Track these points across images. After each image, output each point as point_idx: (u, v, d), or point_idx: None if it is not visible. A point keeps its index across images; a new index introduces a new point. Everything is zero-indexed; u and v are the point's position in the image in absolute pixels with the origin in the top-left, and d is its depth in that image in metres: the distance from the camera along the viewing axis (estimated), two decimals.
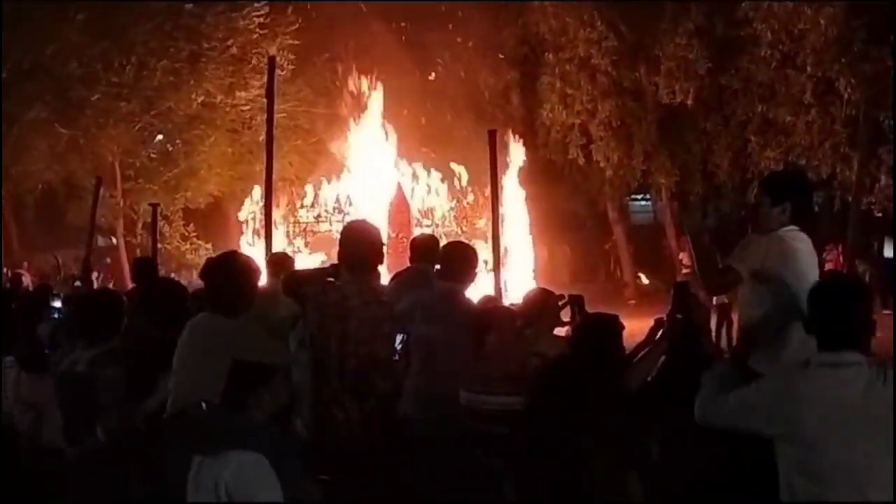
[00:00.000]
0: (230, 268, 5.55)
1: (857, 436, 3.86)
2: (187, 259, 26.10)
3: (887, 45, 20.79)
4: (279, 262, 9.64)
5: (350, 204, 22.69)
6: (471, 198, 23.53)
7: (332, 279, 6.08)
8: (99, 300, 6.49)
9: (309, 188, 24.22)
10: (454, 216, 23.13)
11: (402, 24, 28.46)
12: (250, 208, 22.41)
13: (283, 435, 4.49)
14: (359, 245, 5.92)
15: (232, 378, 4.24)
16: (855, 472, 3.87)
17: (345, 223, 6.51)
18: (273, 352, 5.01)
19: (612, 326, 5.44)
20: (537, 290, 7.19)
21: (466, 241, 7.84)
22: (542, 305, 6.76)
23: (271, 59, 11.32)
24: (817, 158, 22.99)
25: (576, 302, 6.73)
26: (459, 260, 6.66)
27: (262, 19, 24.99)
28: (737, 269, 5.29)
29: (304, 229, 23.54)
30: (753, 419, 4.03)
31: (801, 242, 5.25)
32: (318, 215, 23.12)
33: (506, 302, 9.03)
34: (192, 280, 22.62)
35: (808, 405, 3.89)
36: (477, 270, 6.86)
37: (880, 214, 23.65)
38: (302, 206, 23.53)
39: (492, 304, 7.17)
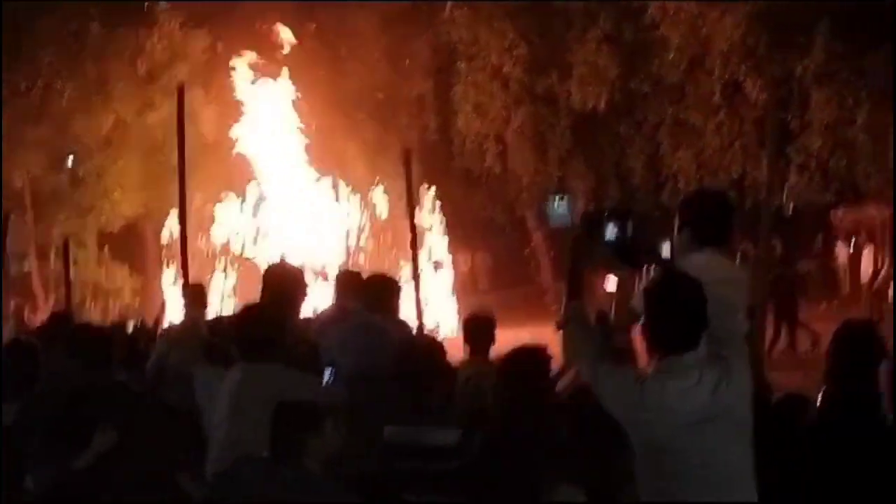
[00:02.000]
0: (270, 316, 5.48)
1: (710, 437, 3.95)
2: (102, 285, 25.67)
3: (792, 48, 21.20)
4: (200, 294, 9.60)
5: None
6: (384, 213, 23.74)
7: None
8: (16, 353, 6.35)
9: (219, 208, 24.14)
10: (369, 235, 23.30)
11: (313, 34, 28.27)
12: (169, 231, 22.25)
13: (340, 487, 4.36)
14: (282, 286, 5.91)
15: (279, 423, 4.08)
16: (712, 472, 3.96)
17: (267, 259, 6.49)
18: (323, 393, 4.92)
19: (540, 362, 5.42)
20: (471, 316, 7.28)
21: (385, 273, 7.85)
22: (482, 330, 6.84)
23: (180, 88, 11.09)
24: (728, 159, 23.38)
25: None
26: (381, 291, 6.68)
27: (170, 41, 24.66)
28: (633, 306, 4.90)
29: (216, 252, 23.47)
30: (611, 402, 4.12)
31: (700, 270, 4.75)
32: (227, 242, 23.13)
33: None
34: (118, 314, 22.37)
35: (660, 415, 3.94)
36: (400, 301, 6.87)
37: (790, 213, 24.17)
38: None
39: (423, 337, 7.18)
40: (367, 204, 25.74)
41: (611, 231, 4.49)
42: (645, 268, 4.59)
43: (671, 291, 4.08)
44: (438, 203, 24.94)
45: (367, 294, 6.67)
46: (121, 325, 10.65)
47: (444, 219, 26.30)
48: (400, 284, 7.15)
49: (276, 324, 5.48)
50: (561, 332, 4.43)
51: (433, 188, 26.07)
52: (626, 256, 4.55)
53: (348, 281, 7.55)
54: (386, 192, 25.34)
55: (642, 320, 4.16)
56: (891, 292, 22.41)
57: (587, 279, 4.66)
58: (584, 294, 4.52)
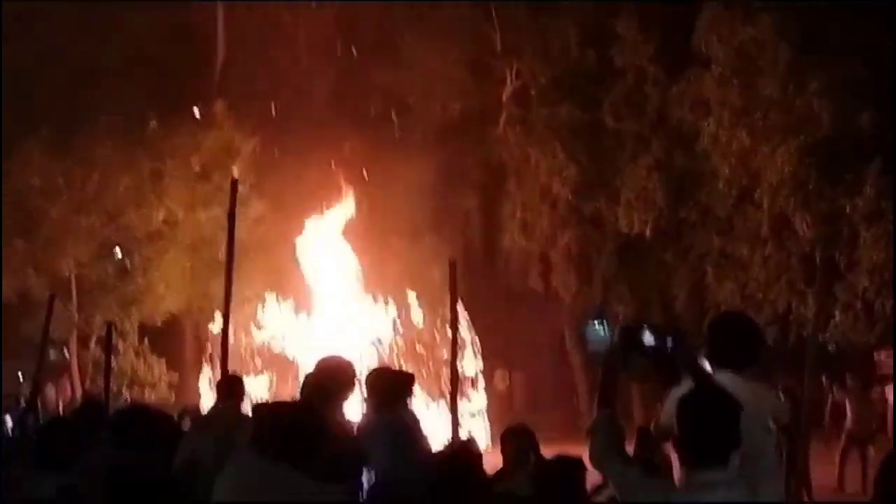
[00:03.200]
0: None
1: None
2: (140, 376, 25.76)
3: (840, 185, 21.21)
4: (233, 384, 9.56)
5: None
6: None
7: None
8: (60, 427, 6.34)
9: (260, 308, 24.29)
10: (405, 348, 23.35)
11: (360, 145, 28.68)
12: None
13: None
14: (331, 380, 5.86)
15: None
16: None
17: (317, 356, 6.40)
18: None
19: (577, 468, 5.38)
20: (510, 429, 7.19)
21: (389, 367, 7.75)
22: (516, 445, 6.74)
23: (234, 182, 11.34)
24: (773, 293, 23.20)
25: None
26: (391, 387, 6.56)
27: (227, 138, 25.14)
28: (664, 422, 4.91)
29: (256, 350, 23.55)
30: None
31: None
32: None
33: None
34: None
35: None
36: (412, 393, 6.78)
37: (833, 350, 23.85)
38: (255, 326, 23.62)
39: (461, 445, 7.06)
40: (406, 316, 25.73)
41: (648, 340, 4.46)
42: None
43: (705, 404, 4.03)
44: (468, 320, 24.79)
45: (383, 390, 6.51)
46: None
47: (475, 336, 26.12)
48: (414, 379, 7.00)
49: (309, 428, 5.25)
50: (589, 437, 4.38)
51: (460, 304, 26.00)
52: (664, 369, 4.51)
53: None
54: (420, 304, 25.35)
55: (675, 431, 4.10)
56: None
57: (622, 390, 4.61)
58: (615, 403, 4.48)
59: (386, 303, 25.21)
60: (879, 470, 5.05)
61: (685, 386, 4.39)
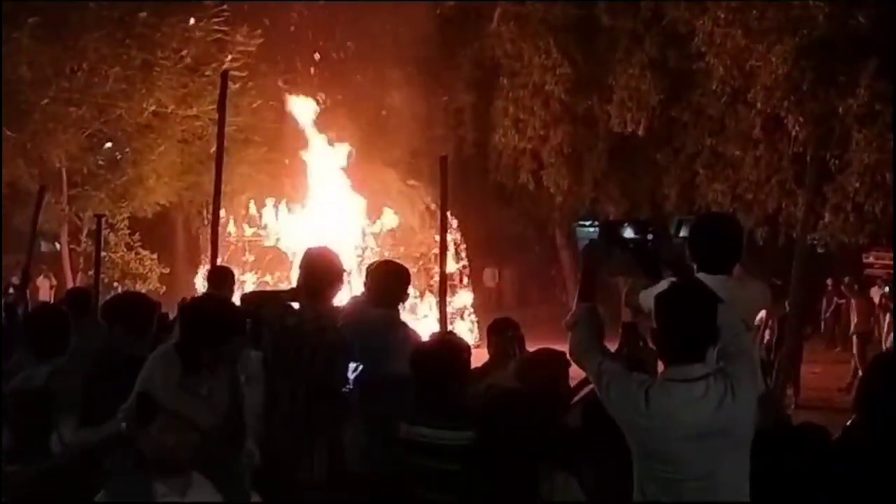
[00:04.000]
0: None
1: (711, 451, 3.93)
2: (131, 268, 25.82)
3: (834, 86, 21.09)
4: (224, 275, 9.63)
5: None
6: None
7: (290, 303, 6.03)
8: (49, 315, 6.39)
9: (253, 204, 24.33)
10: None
11: (355, 41, 28.37)
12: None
13: None
14: (319, 271, 5.87)
15: None
16: (708, 485, 3.94)
17: (305, 248, 6.38)
18: None
19: (559, 363, 5.45)
20: (495, 323, 7.24)
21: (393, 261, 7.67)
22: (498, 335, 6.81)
23: (224, 74, 11.26)
24: (764, 194, 23.25)
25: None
26: (394, 282, 6.55)
27: (218, 31, 24.80)
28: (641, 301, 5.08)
29: (248, 244, 23.65)
30: (613, 405, 4.08)
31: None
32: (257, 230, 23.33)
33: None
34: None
35: (662, 423, 3.92)
36: (409, 291, 6.78)
37: (822, 251, 23.93)
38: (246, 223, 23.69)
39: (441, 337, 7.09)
40: (399, 214, 25.76)
41: (629, 236, 4.49)
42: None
43: (683, 301, 4.07)
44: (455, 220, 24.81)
45: (377, 283, 6.48)
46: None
47: (458, 233, 26.08)
48: (410, 274, 6.96)
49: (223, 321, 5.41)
50: (570, 332, 4.42)
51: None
52: (646, 264, 4.54)
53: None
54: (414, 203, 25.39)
55: (654, 326, 4.16)
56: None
57: (605, 284, 4.66)
58: (595, 297, 4.52)
59: (375, 203, 25.23)
60: (868, 369, 5.15)
61: (667, 281, 4.44)
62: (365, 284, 6.95)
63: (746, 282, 5.60)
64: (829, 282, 28.24)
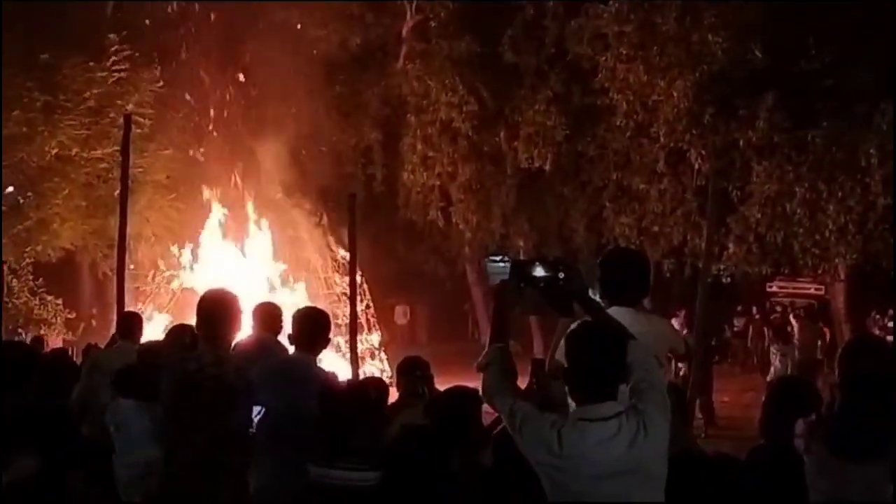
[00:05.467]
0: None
1: (624, 490, 3.94)
2: (35, 314, 25.21)
3: (734, 119, 21.57)
4: (131, 321, 9.49)
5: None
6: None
7: (188, 349, 5.93)
8: None
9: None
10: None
11: (261, 80, 28.26)
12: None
13: None
14: (217, 314, 5.79)
15: None
16: None
17: (204, 291, 6.33)
18: None
19: (471, 400, 5.43)
20: (405, 362, 7.25)
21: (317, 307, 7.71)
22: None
23: (127, 117, 11.16)
24: (669, 226, 23.63)
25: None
26: (313, 327, 6.57)
27: (121, 73, 24.48)
28: (557, 359, 5.24)
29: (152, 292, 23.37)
30: (526, 446, 4.07)
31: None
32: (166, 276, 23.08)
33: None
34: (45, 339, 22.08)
35: (575, 463, 3.93)
36: (330, 337, 6.79)
37: (728, 280, 24.40)
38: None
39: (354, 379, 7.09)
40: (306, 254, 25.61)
41: (539, 274, 4.50)
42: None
43: (592, 337, 4.09)
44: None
45: (298, 327, 6.53)
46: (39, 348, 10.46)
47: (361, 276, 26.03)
48: (330, 320, 7.01)
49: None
50: (482, 373, 4.41)
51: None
52: (556, 301, 4.55)
53: (268, 313, 7.47)
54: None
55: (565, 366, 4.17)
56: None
57: (516, 324, 4.68)
58: (507, 338, 4.52)
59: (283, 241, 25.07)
60: (842, 353, 5.28)
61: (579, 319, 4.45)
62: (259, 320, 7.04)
63: (654, 317, 5.69)
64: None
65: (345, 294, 21.73)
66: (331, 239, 25.03)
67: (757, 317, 29.30)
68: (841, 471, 4.40)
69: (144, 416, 6.86)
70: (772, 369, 19.79)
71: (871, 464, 4.34)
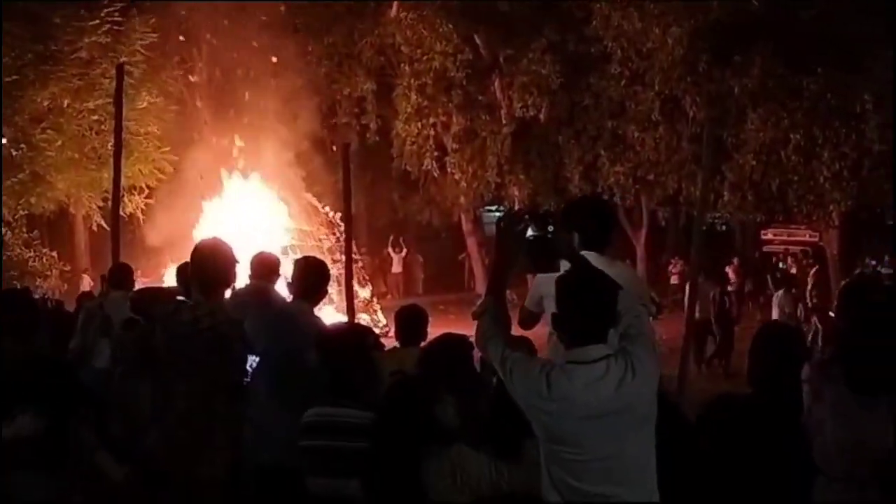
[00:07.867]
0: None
1: (614, 431, 3.98)
2: (30, 266, 25.22)
3: (729, 67, 21.51)
4: (123, 273, 9.51)
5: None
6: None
7: (182, 298, 5.96)
8: None
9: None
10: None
11: (258, 31, 28.06)
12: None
13: None
14: (211, 264, 5.80)
15: None
16: (614, 464, 4.01)
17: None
18: None
19: (461, 348, 5.46)
20: (401, 310, 7.30)
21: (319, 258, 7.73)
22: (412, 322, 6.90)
23: (119, 67, 11.10)
24: (664, 174, 23.63)
25: None
26: (314, 276, 6.63)
27: (114, 24, 24.31)
28: (527, 307, 5.65)
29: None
30: (516, 391, 4.12)
31: None
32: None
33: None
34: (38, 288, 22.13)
35: (564, 406, 3.97)
36: (328, 289, 6.85)
37: (724, 228, 24.47)
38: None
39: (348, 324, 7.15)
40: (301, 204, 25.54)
41: (531, 231, 4.51)
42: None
43: (582, 284, 4.13)
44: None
45: (298, 277, 6.58)
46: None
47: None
48: (330, 273, 7.06)
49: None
50: (476, 321, 4.47)
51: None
52: (542, 256, 4.57)
53: (265, 262, 7.50)
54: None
55: (554, 310, 4.21)
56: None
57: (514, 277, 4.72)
58: (504, 290, 4.57)
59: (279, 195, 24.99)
60: (846, 292, 5.36)
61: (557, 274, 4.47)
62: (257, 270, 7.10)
63: (619, 262, 5.87)
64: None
65: (329, 250, 21.76)
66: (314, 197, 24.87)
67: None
68: (861, 407, 4.46)
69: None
70: (776, 313, 19.59)
71: (889, 397, 4.41)
